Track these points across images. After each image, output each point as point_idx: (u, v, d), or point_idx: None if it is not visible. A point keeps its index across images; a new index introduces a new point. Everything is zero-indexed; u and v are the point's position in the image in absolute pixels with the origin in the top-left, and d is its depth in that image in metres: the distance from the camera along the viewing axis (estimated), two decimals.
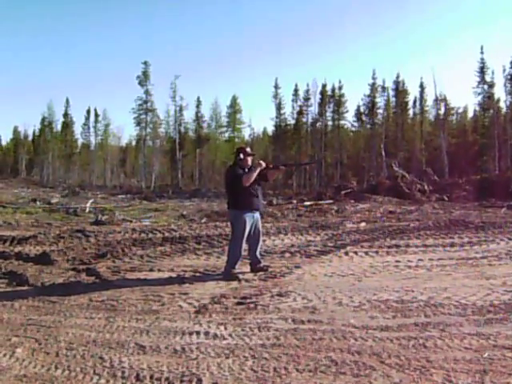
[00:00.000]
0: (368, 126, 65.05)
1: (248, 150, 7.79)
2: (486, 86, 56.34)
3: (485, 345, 4.24)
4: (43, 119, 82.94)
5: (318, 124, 67.26)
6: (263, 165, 7.62)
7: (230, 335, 4.69)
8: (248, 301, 5.93)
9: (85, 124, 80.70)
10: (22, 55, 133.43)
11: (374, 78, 63.24)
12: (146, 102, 68.66)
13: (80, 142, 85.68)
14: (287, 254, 9.24)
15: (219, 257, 9.03)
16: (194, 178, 71.67)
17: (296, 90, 68.18)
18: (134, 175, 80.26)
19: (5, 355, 4.28)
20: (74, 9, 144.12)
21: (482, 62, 55.84)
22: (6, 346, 4.50)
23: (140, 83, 68.00)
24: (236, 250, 7.42)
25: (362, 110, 65.24)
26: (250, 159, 7.66)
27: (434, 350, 4.16)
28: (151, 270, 8.08)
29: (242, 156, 7.57)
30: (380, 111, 64.31)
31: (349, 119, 68.01)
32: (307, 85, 67.70)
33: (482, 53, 56.09)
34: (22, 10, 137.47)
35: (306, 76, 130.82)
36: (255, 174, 7.40)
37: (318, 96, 66.42)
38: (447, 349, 4.17)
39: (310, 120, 68.39)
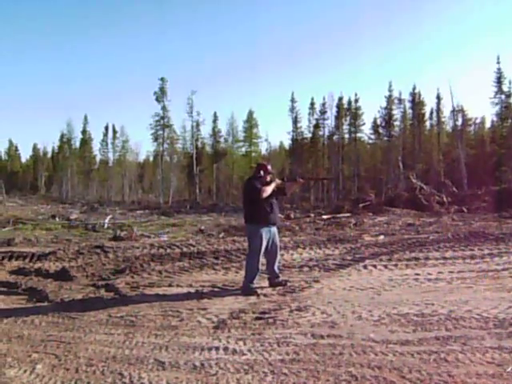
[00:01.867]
0: (385, 138, 64.92)
1: (269, 167, 7.74)
2: (503, 96, 56.11)
3: (507, 359, 4.17)
4: (62, 136, 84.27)
5: (334, 137, 67.32)
6: (278, 181, 7.66)
7: (249, 350, 4.67)
8: (267, 316, 5.91)
9: (103, 140, 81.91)
10: (40, 73, 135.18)
11: (390, 90, 63.36)
12: (163, 117, 69.32)
13: (98, 158, 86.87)
14: (306, 268, 9.20)
15: (237, 272, 9.02)
16: (211, 192, 71.97)
17: (312, 104, 68.50)
18: (152, 191, 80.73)
19: (25, 371, 4.31)
20: (91, 26, 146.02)
21: (499, 71, 55.71)
22: (26, 362, 4.53)
23: (157, 99, 68.71)
24: (254, 265, 7.40)
25: (378, 122, 65.40)
26: (269, 177, 7.66)
27: (455, 364, 4.10)
28: (170, 286, 8.09)
29: (262, 173, 7.58)
30: (397, 123, 64.33)
31: (366, 132, 68.13)
32: (323, 98, 68.22)
33: (498, 63, 55.95)
34: (40, 27, 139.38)
35: (322, 89, 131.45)
36: (272, 188, 7.41)
37: (335, 109, 66.80)
38: (469, 363, 4.11)
39: (326, 133, 68.58)
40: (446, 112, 65.61)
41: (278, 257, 7.90)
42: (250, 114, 73.64)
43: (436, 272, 8.41)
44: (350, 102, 66.90)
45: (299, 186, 8.98)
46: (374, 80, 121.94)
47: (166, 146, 71.78)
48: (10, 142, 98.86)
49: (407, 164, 54.87)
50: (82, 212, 36.09)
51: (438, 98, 63.83)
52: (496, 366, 4.02)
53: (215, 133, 73.89)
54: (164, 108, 69.01)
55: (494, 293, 6.74)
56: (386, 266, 9.12)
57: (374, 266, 9.15)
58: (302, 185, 9.05)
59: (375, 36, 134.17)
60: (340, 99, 66.65)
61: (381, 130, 65.42)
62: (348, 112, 67.09)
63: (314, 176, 50.44)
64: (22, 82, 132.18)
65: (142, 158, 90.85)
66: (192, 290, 7.66)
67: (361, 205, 26.18)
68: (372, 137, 68.20)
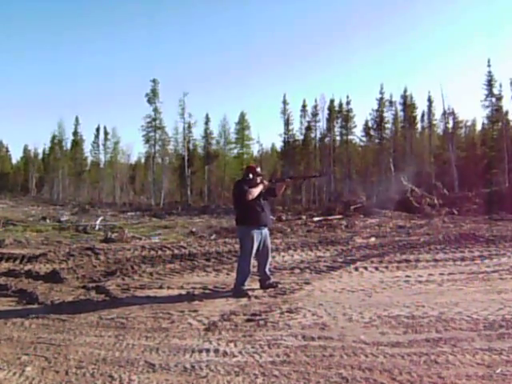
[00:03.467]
0: (376, 140, 65.05)
1: (258, 169, 7.76)
2: (494, 99, 56.37)
3: (497, 360, 4.19)
4: (53, 137, 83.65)
5: (326, 139, 67.35)
6: (266, 183, 7.67)
7: (240, 352, 4.67)
8: (258, 318, 5.91)
9: (94, 142, 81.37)
10: (31, 74, 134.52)
11: (381, 93, 63.47)
12: (154, 119, 69.17)
13: (90, 159, 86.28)
14: (297, 270, 9.21)
15: (229, 273, 9.01)
16: (203, 194, 71.80)
17: (304, 106, 68.52)
18: (144, 192, 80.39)
19: (14, 374, 4.28)
20: (82, 27, 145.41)
21: (490, 74, 56.00)
22: (15, 365, 4.50)
23: (149, 101, 68.56)
24: (245, 267, 7.40)
25: (370, 124, 65.40)
26: (258, 179, 7.66)
27: (445, 365, 4.12)
28: (161, 288, 8.07)
29: (250, 176, 7.58)
30: (388, 126, 64.49)
31: (357, 134, 68.22)
32: (315, 100, 68.34)
33: (489, 65, 56.32)
34: (31, 27, 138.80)
35: (313, 91, 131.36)
36: (259, 190, 7.43)
37: (326, 111, 66.73)
38: (459, 365, 4.13)
39: (318, 135, 68.61)
40: (437, 115, 66.13)
41: (269, 259, 7.89)
42: (242, 115, 73.63)
43: (427, 274, 8.45)
44: (341, 105, 67.00)
45: (289, 186, 9.00)
46: (366, 82, 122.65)
47: (157, 147, 71.61)
48: (1, 143, 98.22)
49: (398, 166, 55.00)
50: (72, 214, 35.89)
51: (430, 100, 64.18)
52: (486, 367, 4.05)
53: (207, 134, 73.71)
54: (156, 110, 68.89)
55: (484, 295, 6.79)
56: (376, 268, 9.14)
57: (365, 268, 9.18)
58: (292, 184, 9.10)
59: (367, 38, 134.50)
60: (332, 101, 66.79)
61: (372, 133, 65.51)
62: (339, 114, 67.17)
63: (302, 174, 50.51)
64: (12, 82, 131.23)
65: (133, 159, 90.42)
66: (183, 292, 7.65)
67: (352, 207, 26.22)
68: (363, 139, 68.35)
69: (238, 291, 7.30)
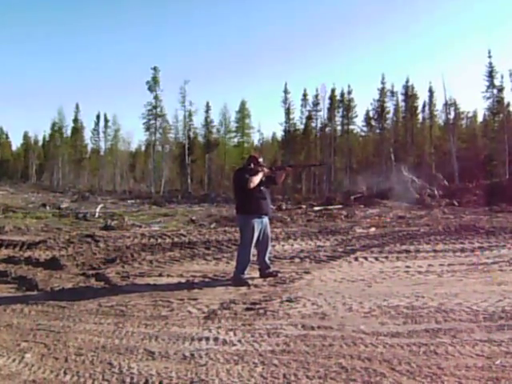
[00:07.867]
0: (377, 130, 64.95)
1: (260, 160, 7.71)
2: (495, 91, 56.24)
3: (497, 351, 4.19)
4: (53, 124, 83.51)
5: (327, 129, 67.23)
6: (265, 170, 7.63)
7: (240, 341, 4.66)
8: (257, 306, 5.90)
9: (95, 129, 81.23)
10: (32, 61, 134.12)
11: (383, 83, 63.29)
12: (155, 107, 69.04)
13: (90, 147, 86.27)
14: (297, 260, 9.21)
15: (228, 262, 9.01)
16: (203, 182, 71.77)
17: (305, 95, 68.32)
18: (144, 180, 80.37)
19: (14, 360, 4.29)
20: (83, 14, 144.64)
21: (491, 66, 55.71)
22: (15, 351, 4.51)
23: (149, 89, 68.42)
24: (245, 256, 7.39)
25: (371, 114, 65.28)
26: (260, 169, 7.62)
27: (445, 356, 4.12)
28: (160, 276, 8.08)
29: (252, 166, 7.55)
30: (389, 116, 64.30)
31: (358, 124, 68.08)
32: (316, 90, 67.93)
33: (490, 57, 55.92)
34: (32, 15, 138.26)
35: (314, 80, 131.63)
36: (259, 178, 7.38)
37: (327, 101, 66.55)
38: (459, 355, 4.12)
39: (319, 125, 68.47)
40: (439, 105, 65.84)
41: (269, 248, 7.89)
42: (243, 104, 73.51)
43: (426, 265, 8.43)
44: (342, 94, 66.78)
45: (289, 174, 8.97)
46: (368, 72, 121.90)
47: (158, 135, 71.56)
48: (1, 130, 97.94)
49: (399, 157, 54.93)
50: (72, 201, 35.91)
51: (431, 91, 63.98)
52: (485, 358, 4.04)
53: (208, 123, 73.59)
54: (156, 97, 68.73)
55: (484, 286, 6.77)
56: (376, 258, 9.13)
57: (365, 258, 9.17)
58: (292, 172, 9.07)
59: (369, 29, 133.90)
60: (333, 91, 66.55)
61: (373, 123, 65.40)
62: (341, 104, 66.96)
63: (302, 163, 50.40)
64: (13, 69, 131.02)
65: (133, 147, 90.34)
66: (183, 280, 7.65)
67: (352, 197, 26.22)
68: (364, 129, 68.24)
69: (238, 280, 7.29)
